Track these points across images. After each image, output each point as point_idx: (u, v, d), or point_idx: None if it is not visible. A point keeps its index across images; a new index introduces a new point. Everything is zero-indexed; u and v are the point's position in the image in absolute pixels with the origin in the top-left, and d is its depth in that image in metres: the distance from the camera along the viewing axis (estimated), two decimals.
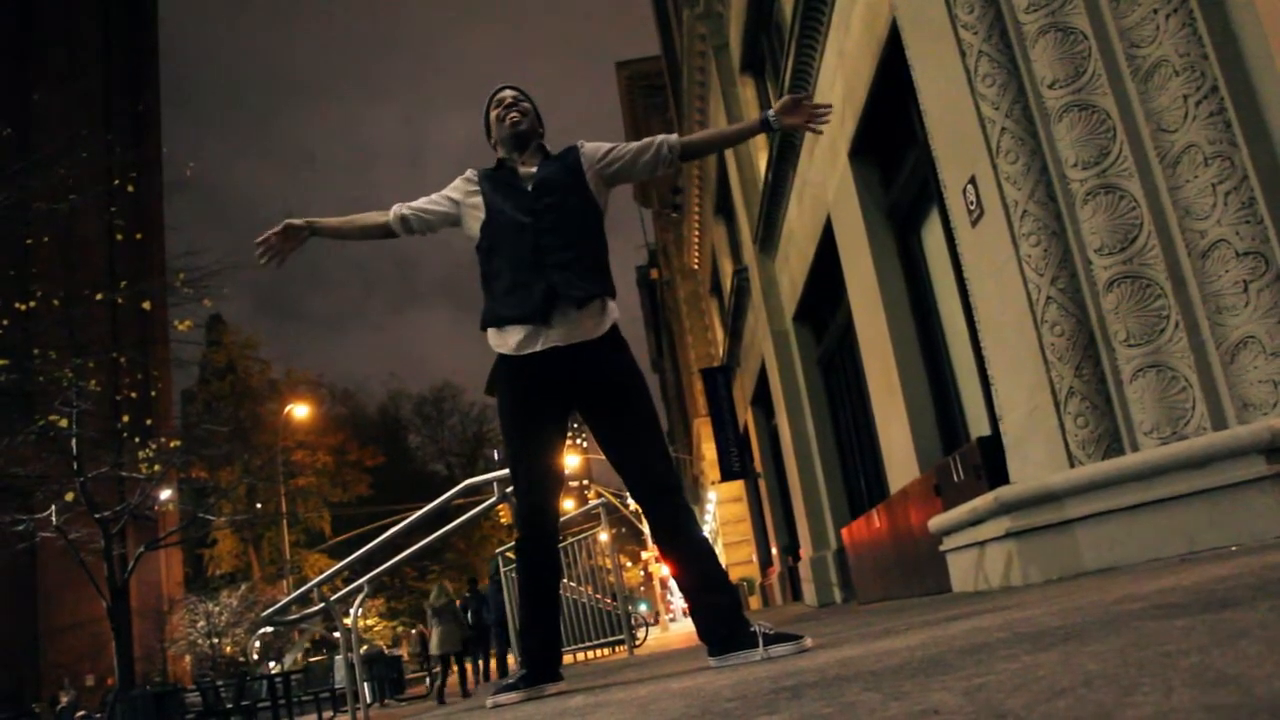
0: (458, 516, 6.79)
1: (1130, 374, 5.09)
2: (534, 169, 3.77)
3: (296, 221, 3.81)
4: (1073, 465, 5.21)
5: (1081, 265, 5.25)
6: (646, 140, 3.86)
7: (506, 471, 5.72)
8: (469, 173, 3.92)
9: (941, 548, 6.40)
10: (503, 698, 3.46)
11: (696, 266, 30.16)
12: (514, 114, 3.85)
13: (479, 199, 3.75)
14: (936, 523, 6.33)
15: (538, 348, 3.49)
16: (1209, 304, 4.89)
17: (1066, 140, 5.29)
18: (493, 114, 3.95)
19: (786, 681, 2.09)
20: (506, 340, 3.56)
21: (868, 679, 1.81)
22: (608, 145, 3.90)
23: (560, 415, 3.63)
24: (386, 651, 25.74)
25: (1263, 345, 4.71)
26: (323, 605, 7.16)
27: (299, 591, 7.41)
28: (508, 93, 3.96)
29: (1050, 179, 5.36)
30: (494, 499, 5.56)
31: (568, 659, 8.84)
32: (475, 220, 3.74)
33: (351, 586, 6.97)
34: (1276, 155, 4.75)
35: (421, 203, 3.91)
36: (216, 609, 35.32)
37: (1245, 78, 4.83)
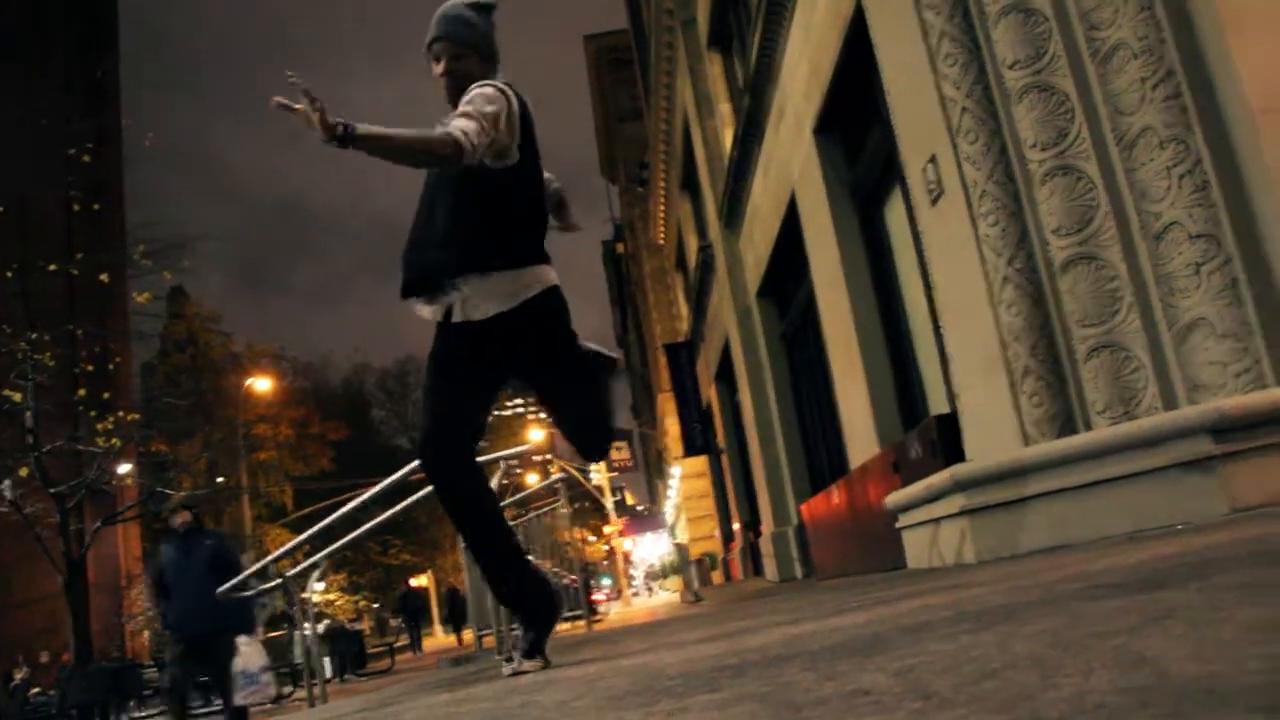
0: (418, 491, 6.76)
1: (1085, 354, 5.15)
2: None
3: (330, 120, 2.90)
4: (1028, 444, 5.26)
5: (1039, 245, 5.29)
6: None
7: None
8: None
9: (898, 524, 6.46)
10: (525, 666, 3.20)
11: (662, 242, 30.12)
12: (443, 82, 3.46)
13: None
14: (893, 499, 6.39)
15: None
16: (1162, 285, 4.95)
17: (1026, 121, 5.31)
18: (431, 65, 3.51)
19: (731, 660, 2.10)
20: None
21: (808, 658, 1.82)
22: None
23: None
24: (348, 626, 25.70)
25: (1213, 327, 4.77)
26: (278, 581, 7.14)
27: (255, 567, 7.38)
28: (437, 48, 3.47)
29: (1009, 159, 5.39)
30: None
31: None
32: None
33: (307, 563, 6.94)
34: (1230, 140, 4.80)
35: None
36: None
37: (1201, 63, 4.88)
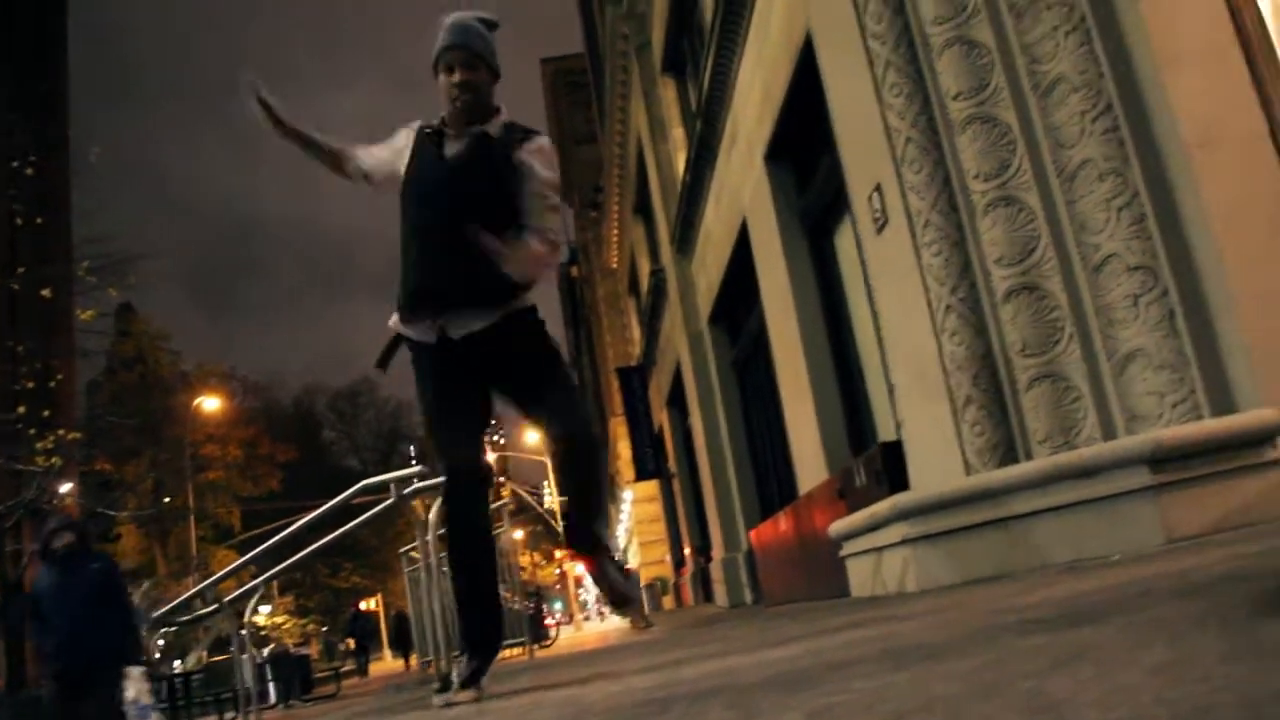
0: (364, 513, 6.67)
1: (1026, 383, 5.19)
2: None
3: (267, 100, 3.31)
4: (969, 473, 5.29)
5: (981, 275, 5.33)
6: None
7: (404, 473, 5.67)
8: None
9: (842, 553, 6.46)
10: (459, 696, 3.15)
11: (615, 265, 30.13)
12: (454, 91, 3.39)
13: None
14: (837, 528, 6.39)
15: None
16: (1101, 316, 5.00)
17: (969, 152, 5.36)
18: (439, 74, 3.42)
19: (659, 694, 2.07)
20: None
21: (733, 695, 1.80)
22: None
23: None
24: (293, 650, 25.28)
25: (1150, 358, 4.83)
26: (216, 606, 7.00)
27: (193, 590, 7.23)
28: (452, 57, 3.39)
29: (953, 189, 5.43)
30: (391, 499, 5.47)
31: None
32: None
33: (248, 586, 6.81)
34: (1166, 173, 4.88)
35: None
36: None
37: (1138, 97, 4.96)
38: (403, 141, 3.48)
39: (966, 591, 4.10)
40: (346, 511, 6.66)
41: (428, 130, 3.44)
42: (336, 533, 6.49)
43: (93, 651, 6.35)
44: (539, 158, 3.41)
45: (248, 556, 6.97)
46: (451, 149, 3.38)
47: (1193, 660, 1.15)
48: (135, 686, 6.29)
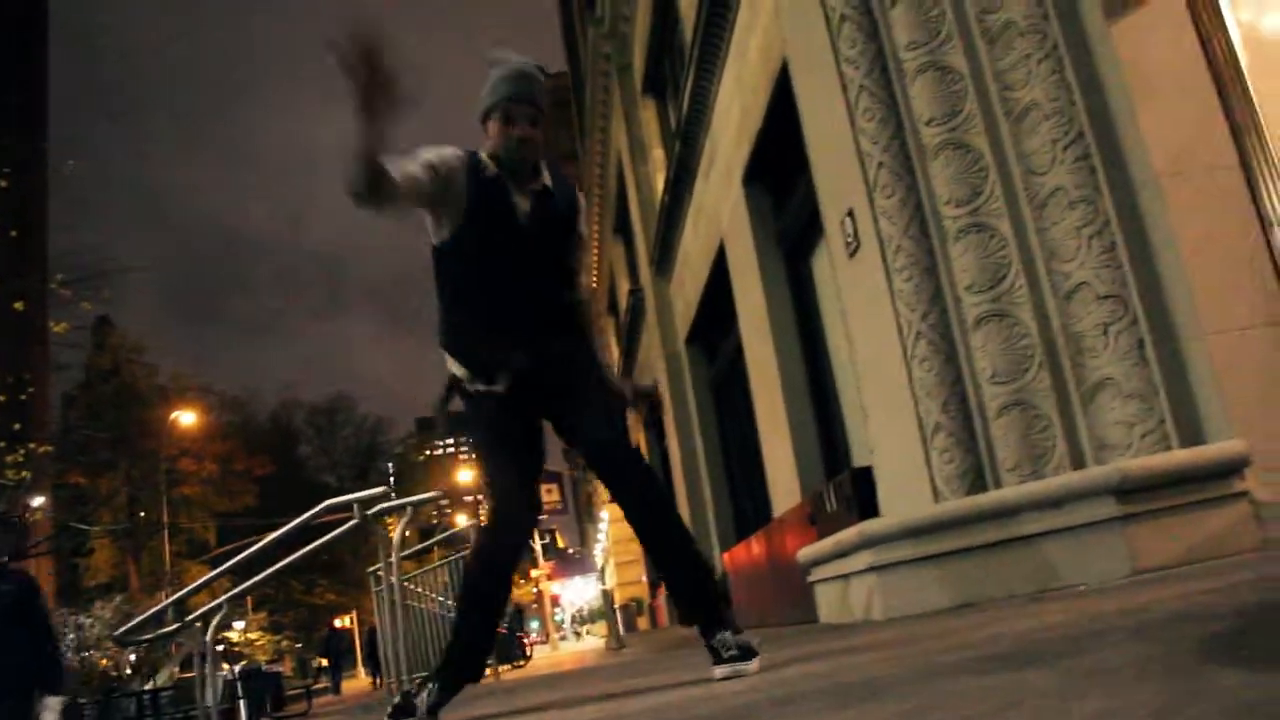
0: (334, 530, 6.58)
1: (996, 411, 5.15)
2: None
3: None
4: (938, 500, 5.25)
5: (952, 302, 5.30)
6: None
7: (368, 493, 5.59)
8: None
9: (809, 579, 6.40)
10: None
11: (595, 285, 30.12)
12: (515, 143, 3.27)
13: None
14: (805, 554, 6.33)
15: None
16: (1071, 345, 4.98)
17: (941, 177, 5.34)
18: (494, 121, 3.28)
19: None
20: None
21: None
22: None
23: None
24: (265, 667, 25.04)
25: (1120, 387, 4.81)
26: (178, 625, 6.88)
27: (156, 608, 7.12)
28: (524, 110, 3.27)
29: (925, 215, 5.41)
30: (353, 520, 5.39)
31: None
32: None
33: (209, 606, 6.71)
34: (1136, 202, 4.88)
35: None
36: (89, 621, 34.03)
37: (1109, 126, 4.96)
38: (453, 166, 3.18)
39: (929, 622, 4.05)
40: (319, 529, 6.58)
41: (485, 172, 3.23)
42: (298, 553, 6.40)
43: (9, 680, 5.87)
44: (582, 218, 3.53)
45: (212, 574, 6.88)
46: (521, 203, 3.27)
47: (1125, 714, 1.10)
48: (51, 718, 5.90)
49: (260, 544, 6.67)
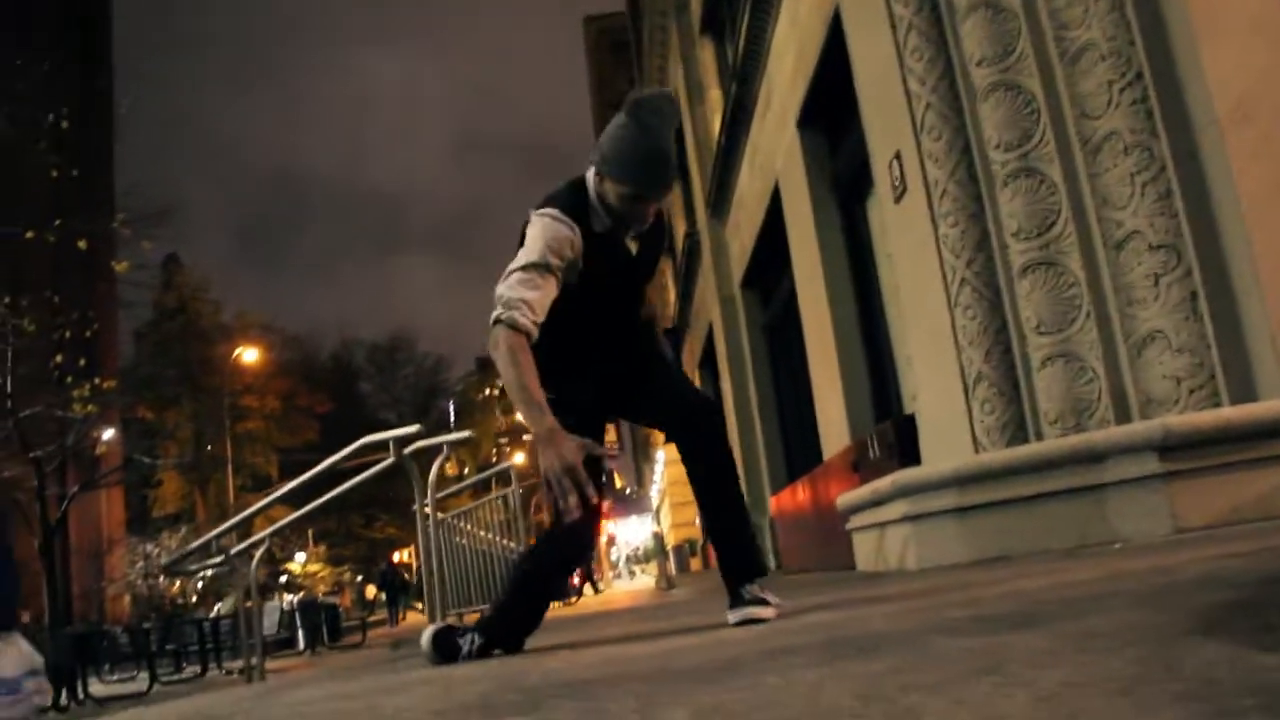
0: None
1: (1040, 362, 5.03)
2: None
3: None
4: (978, 451, 5.15)
5: (998, 249, 5.16)
6: None
7: (403, 431, 5.60)
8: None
9: (848, 526, 6.35)
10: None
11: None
12: (638, 220, 3.24)
13: None
14: (844, 500, 6.27)
15: None
16: (1121, 295, 4.83)
17: (991, 120, 5.18)
18: (622, 194, 3.12)
19: (590, 674, 2.00)
20: None
21: (652, 683, 1.72)
22: None
23: None
24: (322, 599, 25.61)
25: (1169, 340, 4.66)
26: (222, 558, 7.02)
27: (200, 540, 7.26)
28: (660, 195, 3.23)
29: (973, 158, 5.26)
30: (390, 459, 5.42)
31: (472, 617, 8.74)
32: None
33: (253, 539, 6.83)
34: (1196, 148, 4.68)
35: None
36: (156, 550, 35.06)
37: (1170, 67, 4.75)
38: (570, 255, 3.12)
39: (957, 574, 3.98)
40: (371, 465, 6.58)
41: (596, 227, 3.18)
42: (332, 491, 6.44)
43: None
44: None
45: (246, 513, 6.96)
46: (630, 246, 3.32)
47: (1087, 687, 1.04)
48: (4, 655, 5.62)
49: (293, 483, 6.71)
